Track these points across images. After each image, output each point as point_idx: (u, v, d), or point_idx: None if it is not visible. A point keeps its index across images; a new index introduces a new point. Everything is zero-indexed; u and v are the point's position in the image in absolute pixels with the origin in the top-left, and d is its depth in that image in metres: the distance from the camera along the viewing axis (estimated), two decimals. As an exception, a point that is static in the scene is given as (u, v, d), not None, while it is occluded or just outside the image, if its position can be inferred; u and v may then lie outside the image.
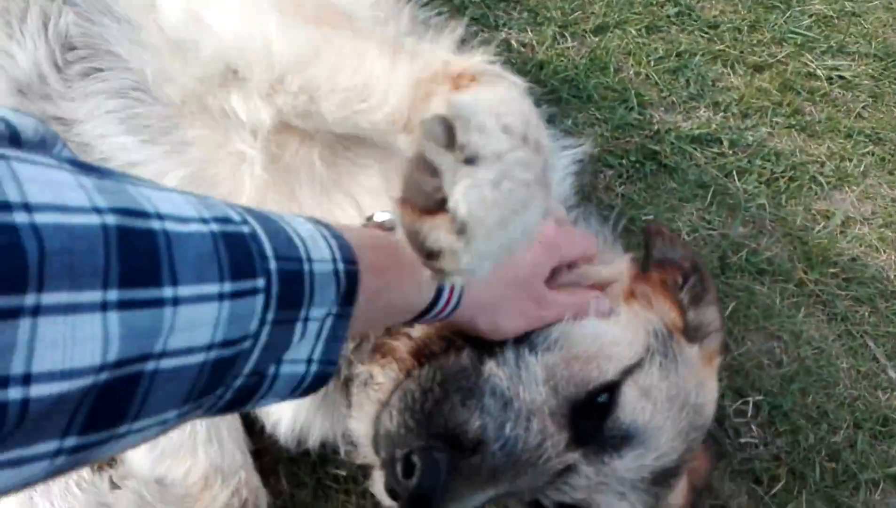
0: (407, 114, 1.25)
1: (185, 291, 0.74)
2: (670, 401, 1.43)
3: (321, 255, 0.93)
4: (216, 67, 1.41)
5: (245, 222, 0.85)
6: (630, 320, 1.49)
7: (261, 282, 0.82)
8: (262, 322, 0.83)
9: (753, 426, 2.02)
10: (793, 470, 1.96)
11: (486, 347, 1.40)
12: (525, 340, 1.41)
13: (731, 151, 2.65)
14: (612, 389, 1.40)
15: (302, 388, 1.00)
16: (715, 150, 2.63)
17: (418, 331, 1.45)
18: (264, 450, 1.69)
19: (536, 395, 1.36)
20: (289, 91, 1.35)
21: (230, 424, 1.58)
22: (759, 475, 1.93)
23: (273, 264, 0.85)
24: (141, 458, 1.52)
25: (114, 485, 1.44)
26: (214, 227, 0.80)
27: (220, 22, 1.38)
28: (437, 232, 0.89)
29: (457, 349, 1.41)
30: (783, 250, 2.41)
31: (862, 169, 2.73)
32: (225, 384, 0.84)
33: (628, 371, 1.42)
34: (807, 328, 2.24)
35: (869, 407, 2.12)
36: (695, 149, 2.60)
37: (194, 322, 0.75)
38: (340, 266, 0.95)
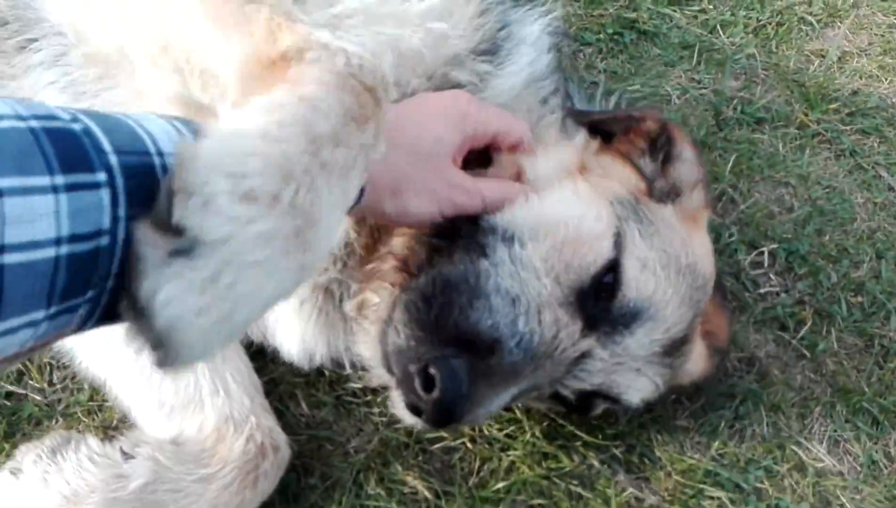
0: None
1: (7, 182, 0.73)
2: (665, 268, 1.39)
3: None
4: (107, 49, 1.35)
5: (76, 120, 0.83)
6: (588, 193, 1.42)
7: (101, 176, 0.80)
8: (115, 218, 0.81)
9: (772, 275, 1.97)
10: (818, 311, 1.91)
11: (474, 248, 1.35)
12: (505, 236, 1.35)
13: (711, 7, 2.54)
14: (613, 267, 1.35)
15: None
16: (695, 8, 2.52)
17: (399, 246, 1.41)
18: (280, 377, 1.68)
19: (541, 288, 1.31)
20: (164, 72, 1.25)
21: (234, 367, 1.55)
22: (783, 321, 1.88)
23: (114, 159, 0.82)
24: (151, 418, 1.51)
25: (126, 455, 1.41)
26: (34, 123, 0.78)
27: (99, 7, 1.31)
28: (137, 339, 0.79)
29: (447, 255, 1.36)
30: (779, 95, 2.32)
31: (852, 1, 2.61)
32: (95, 287, 0.82)
33: (618, 240, 1.37)
34: (814, 169, 2.16)
35: (890, 237, 2.05)
36: (674, 10, 2.50)
37: (29, 215, 0.74)
38: None
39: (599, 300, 1.35)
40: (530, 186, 1.41)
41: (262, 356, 1.65)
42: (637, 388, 1.42)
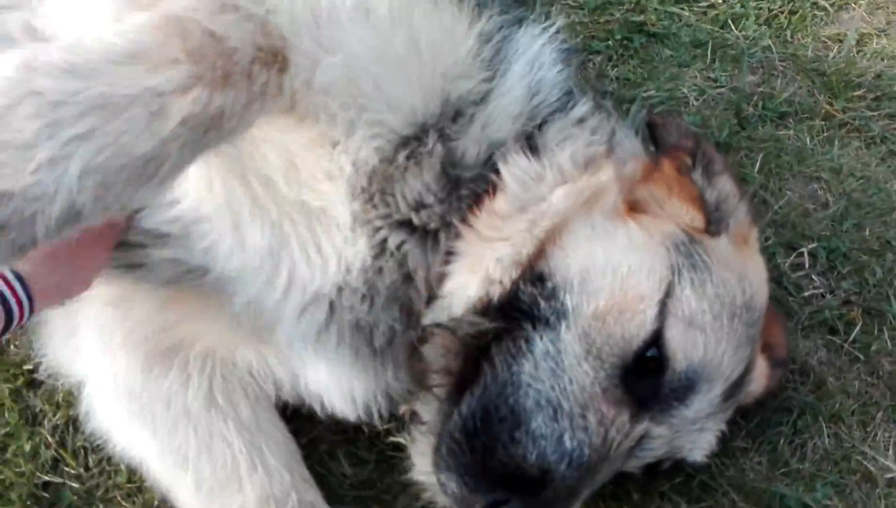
0: None
1: None
2: (717, 318, 1.30)
3: None
4: None
5: None
6: (644, 240, 1.32)
7: None
8: None
9: (814, 277, 1.89)
10: (867, 310, 1.83)
11: (515, 341, 1.30)
12: (554, 304, 1.28)
13: (720, 1, 2.46)
14: (656, 339, 1.27)
15: None
16: (703, 3, 2.45)
17: (435, 353, 1.36)
18: (320, 437, 1.63)
19: (583, 377, 1.25)
20: None
21: (270, 437, 1.51)
22: (832, 324, 1.81)
23: None
24: (190, 500, 1.47)
25: None
26: None
27: None
28: None
29: (488, 358, 1.31)
30: (801, 87, 2.24)
31: (864, -19, 2.53)
32: None
33: (663, 307, 1.27)
34: (846, 161, 2.09)
35: (933, 223, 1.97)
36: (682, 9, 2.43)
37: None
38: None
39: (645, 376, 1.28)
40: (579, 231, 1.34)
41: (298, 416, 1.60)
42: (701, 446, 1.38)
